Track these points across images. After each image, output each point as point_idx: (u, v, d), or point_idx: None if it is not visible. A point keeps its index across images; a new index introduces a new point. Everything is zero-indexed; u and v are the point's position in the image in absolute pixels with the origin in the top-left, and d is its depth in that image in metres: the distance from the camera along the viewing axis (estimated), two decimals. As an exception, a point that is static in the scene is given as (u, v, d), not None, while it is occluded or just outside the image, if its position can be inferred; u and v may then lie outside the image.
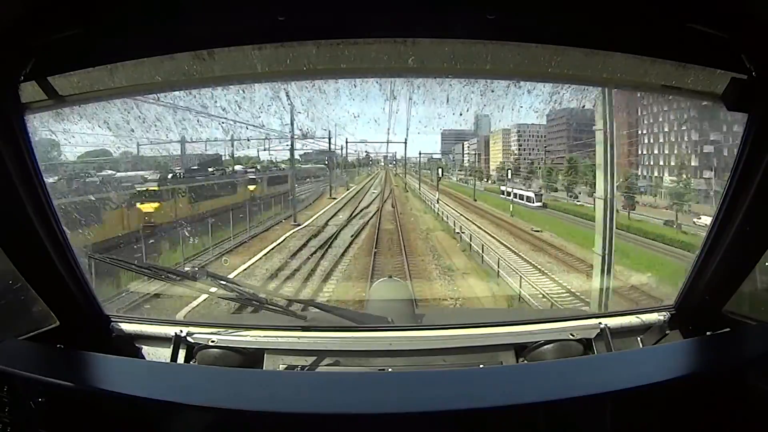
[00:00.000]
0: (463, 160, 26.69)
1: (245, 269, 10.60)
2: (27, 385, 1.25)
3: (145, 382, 1.37)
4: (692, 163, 15.48)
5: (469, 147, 26.28)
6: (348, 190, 23.83)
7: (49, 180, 1.45)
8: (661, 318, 1.84)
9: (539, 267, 12.23)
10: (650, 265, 10.95)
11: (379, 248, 13.06)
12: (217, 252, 11.77)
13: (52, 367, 1.38)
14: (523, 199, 20.13)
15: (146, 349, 1.83)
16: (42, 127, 1.56)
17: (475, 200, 21.98)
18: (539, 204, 19.57)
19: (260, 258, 11.71)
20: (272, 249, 12.66)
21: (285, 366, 1.74)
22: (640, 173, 17.38)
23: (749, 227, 1.41)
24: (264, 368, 1.74)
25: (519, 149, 23.73)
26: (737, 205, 1.41)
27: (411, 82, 1.68)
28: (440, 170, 23.64)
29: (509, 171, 22.53)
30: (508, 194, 20.83)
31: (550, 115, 21.00)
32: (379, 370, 1.72)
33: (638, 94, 18.51)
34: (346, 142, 22.12)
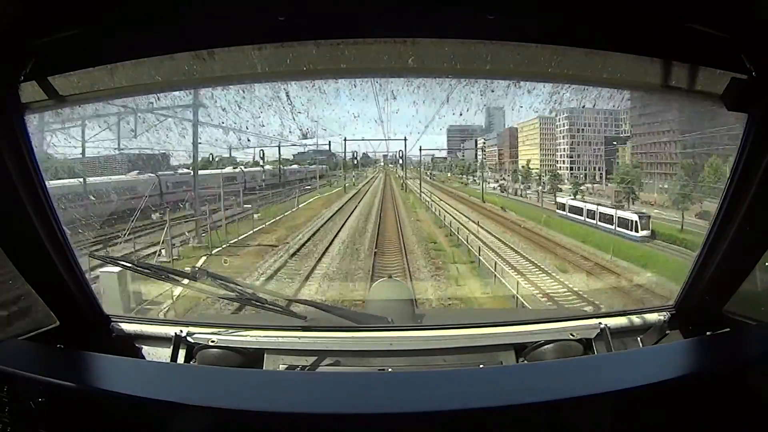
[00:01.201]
0: (476, 160, 20.69)
1: None
2: (27, 385, 1.25)
3: (145, 382, 1.37)
4: None
5: (485, 144, 20.33)
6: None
7: (48, 180, 1.45)
8: (661, 318, 1.84)
9: None
10: None
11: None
12: None
13: (52, 367, 1.38)
14: (607, 222, 12.55)
15: (146, 349, 1.83)
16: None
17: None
18: (645, 233, 11.95)
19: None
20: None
21: (285, 366, 1.74)
22: None
23: (749, 227, 1.41)
24: (264, 368, 1.74)
25: (571, 146, 16.08)
26: (737, 205, 1.41)
27: (411, 82, 1.68)
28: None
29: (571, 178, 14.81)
30: (572, 211, 13.45)
31: (634, 96, 13.51)
32: (379, 370, 1.71)
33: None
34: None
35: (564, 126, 16.65)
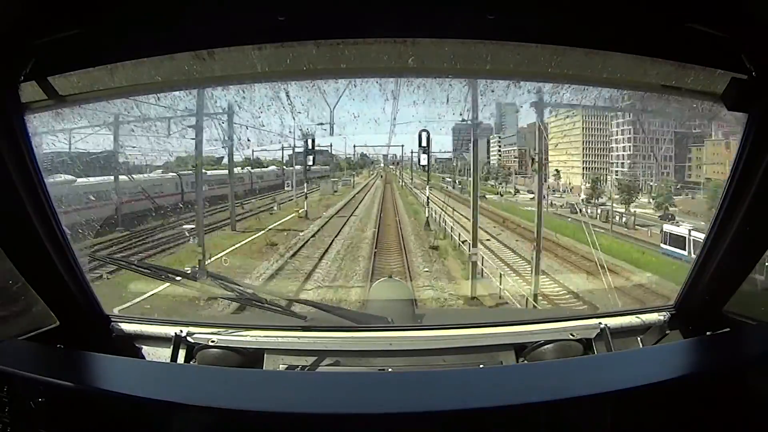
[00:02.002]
0: (489, 162, 17.25)
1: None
2: (27, 385, 1.25)
3: (145, 382, 1.37)
4: None
5: (501, 143, 17.00)
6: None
7: (49, 180, 1.45)
8: (661, 318, 1.84)
9: None
10: None
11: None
12: None
13: (52, 367, 1.38)
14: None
15: (146, 349, 1.83)
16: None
17: None
18: None
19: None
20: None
21: (285, 366, 1.74)
22: None
23: (749, 227, 1.41)
24: (264, 368, 1.74)
25: (634, 144, 11.66)
26: (737, 205, 1.41)
27: (411, 82, 1.68)
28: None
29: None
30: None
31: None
32: (379, 370, 1.71)
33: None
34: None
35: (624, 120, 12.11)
